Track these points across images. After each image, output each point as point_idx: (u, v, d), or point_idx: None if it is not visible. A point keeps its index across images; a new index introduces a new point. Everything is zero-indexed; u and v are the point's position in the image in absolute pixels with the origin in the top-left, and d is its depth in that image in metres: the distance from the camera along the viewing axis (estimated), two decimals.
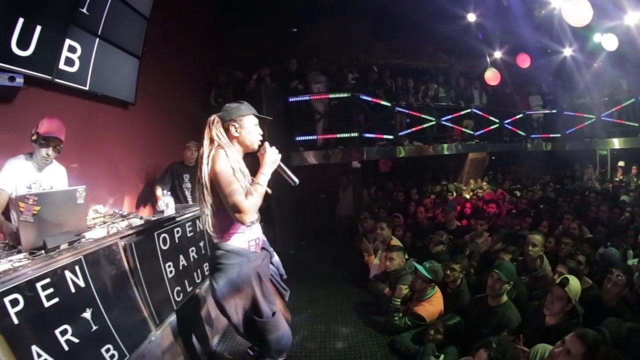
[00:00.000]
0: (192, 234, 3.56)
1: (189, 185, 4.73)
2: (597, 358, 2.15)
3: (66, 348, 1.93)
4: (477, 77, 10.56)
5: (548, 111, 11.05)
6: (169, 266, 3.10)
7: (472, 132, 9.61)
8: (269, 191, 2.23)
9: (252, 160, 2.29)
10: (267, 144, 2.25)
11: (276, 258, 2.68)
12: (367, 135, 7.65)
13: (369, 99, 7.71)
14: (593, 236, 5.04)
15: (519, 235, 4.91)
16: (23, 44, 3.03)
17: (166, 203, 3.44)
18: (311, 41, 9.26)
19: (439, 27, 9.07)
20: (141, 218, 3.08)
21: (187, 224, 3.50)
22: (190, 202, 4.54)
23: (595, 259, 4.09)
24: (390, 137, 8.22)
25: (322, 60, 8.25)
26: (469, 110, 9.66)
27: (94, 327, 2.15)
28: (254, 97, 6.09)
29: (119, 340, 2.30)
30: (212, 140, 2.17)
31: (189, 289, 3.31)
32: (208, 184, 2.12)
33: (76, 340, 1.99)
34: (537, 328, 2.85)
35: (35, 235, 2.11)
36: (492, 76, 9.66)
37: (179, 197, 4.55)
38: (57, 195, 2.46)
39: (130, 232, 2.74)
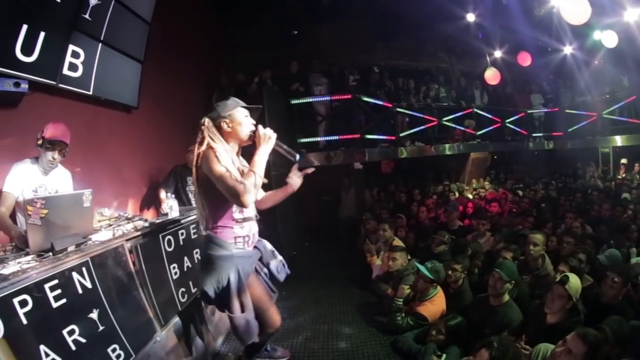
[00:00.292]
0: (196, 235, 3.58)
1: (192, 187, 4.74)
2: (599, 357, 2.16)
3: (73, 348, 1.97)
4: (478, 76, 10.52)
5: (549, 109, 11.01)
6: (174, 268, 3.14)
7: (473, 132, 9.60)
8: (265, 180, 2.26)
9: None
10: (260, 126, 2.28)
11: (277, 260, 2.70)
12: (369, 136, 7.67)
13: (370, 100, 7.73)
14: (595, 234, 5.03)
15: (521, 235, 4.90)
16: (27, 50, 3.07)
17: (170, 206, 3.47)
18: (312, 43, 9.29)
19: (439, 27, 9.11)
20: (146, 220, 3.11)
21: (191, 226, 3.53)
22: (194, 205, 4.56)
23: (596, 257, 4.08)
24: (392, 138, 8.24)
25: (323, 62, 8.29)
26: (470, 110, 9.65)
27: (101, 328, 2.19)
28: (256, 100, 6.09)
29: (125, 341, 2.34)
30: (201, 143, 2.23)
31: (193, 290, 3.33)
32: (198, 182, 2.25)
33: (83, 340, 2.03)
34: (538, 327, 2.86)
35: (43, 238, 2.14)
36: (492, 75, 9.65)
37: (182, 200, 4.58)
38: (64, 198, 2.51)
39: (136, 234, 2.77)
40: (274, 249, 2.73)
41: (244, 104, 2.37)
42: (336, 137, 7.46)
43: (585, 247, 4.05)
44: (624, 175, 9.94)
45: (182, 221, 3.42)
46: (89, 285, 2.18)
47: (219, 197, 2.19)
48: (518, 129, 10.62)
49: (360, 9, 9.28)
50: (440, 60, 11.27)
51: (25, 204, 2.10)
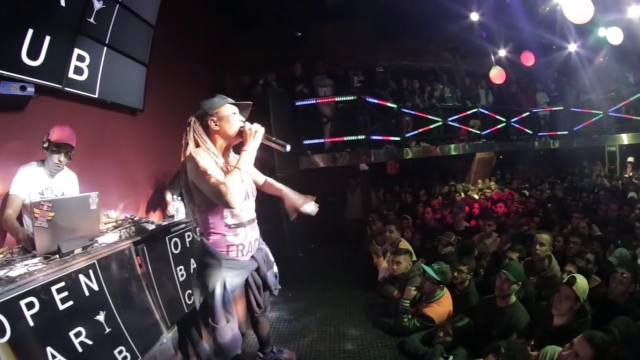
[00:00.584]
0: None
1: None
2: (607, 359, 2.13)
3: (80, 350, 1.98)
4: (483, 76, 10.46)
5: (555, 108, 10.91)
6: (180, 270, 3.15)
7: (479, 132, 9.55)
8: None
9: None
10: (247, 123, 2.23)
11: (272, 272, 2.63)
12: (374, 137, 7.66)
13: (375, 101, 7.71)
14: (603, 234, 4.98)
15: (527, 235, 4.85)
16: (33, 54, 3.08)
17: (176, 208, 3.48)
18: (316, 45, 9.28)
19: (443, 27, 9.06)
20: (152, 223, 3.12)
21: (197, 229, 3.53)
22: None
23: (604, 258, 4.04)
24: (397, 138, 8.22)
25: (327, 64, 8.29)
26: (475, 110, 9.60)
27: (107, 330, 2.20)
28: (261, 102, 6.12)
29: (131, 342, 2.35)
30: (187, 145, 2.20)
31: None
32: (186, 186, 2.21)
33: (90, 342, 2.04)
34: (545, 329, 2.83)
35: (50, 241, 2.16)
36: (497, 75, 9.59)
37: None
38: (71, 201, 2.52)
39: (142, 236, 2.78)
40: (273, 259, 2.66)
41: (232, 101, 2.30)
42: (341, 139, 7.45)
43: (593, 247, 4.01)
44: (630, 173, 9.84)
45: (189, 223, 3.42)
46: (95, 287, 2.19)
47: (207, 201, 2.16)
48: (523, 128, 10.54)
49: (363, 10, 9.27)
50: (444, 60, 11.25)
51: (32, 206, 2.11)
